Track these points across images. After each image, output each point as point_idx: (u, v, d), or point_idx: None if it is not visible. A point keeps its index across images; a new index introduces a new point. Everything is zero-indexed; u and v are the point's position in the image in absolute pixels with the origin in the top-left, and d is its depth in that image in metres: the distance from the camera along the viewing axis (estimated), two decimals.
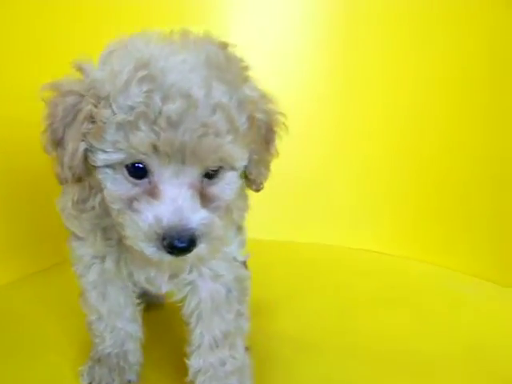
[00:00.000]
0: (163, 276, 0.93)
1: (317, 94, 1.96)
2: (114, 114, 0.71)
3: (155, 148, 0.71)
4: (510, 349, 1.26)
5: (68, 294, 1.10)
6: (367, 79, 1.90)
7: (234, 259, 0.95)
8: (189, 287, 0.95)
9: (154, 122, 0.69)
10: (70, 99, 0.76)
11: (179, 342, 1.01)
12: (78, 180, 0.79)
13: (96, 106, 0.73)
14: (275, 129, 0.86)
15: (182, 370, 0.99)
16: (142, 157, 0.73)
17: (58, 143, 0.77)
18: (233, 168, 0.79)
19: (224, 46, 0.80)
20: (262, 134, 0.83)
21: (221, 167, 0.78)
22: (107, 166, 0.75)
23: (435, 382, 1.12)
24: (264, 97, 0.84)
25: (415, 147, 1.85)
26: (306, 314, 1.40)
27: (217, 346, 0.95)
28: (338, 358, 1.18)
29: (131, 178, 0.75)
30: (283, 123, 0.87)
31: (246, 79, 0.81)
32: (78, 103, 0.76)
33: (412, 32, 1.81)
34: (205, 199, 0.77)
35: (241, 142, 0.77)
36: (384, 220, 1.93)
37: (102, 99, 0.73)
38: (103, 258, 0.94)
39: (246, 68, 0.82)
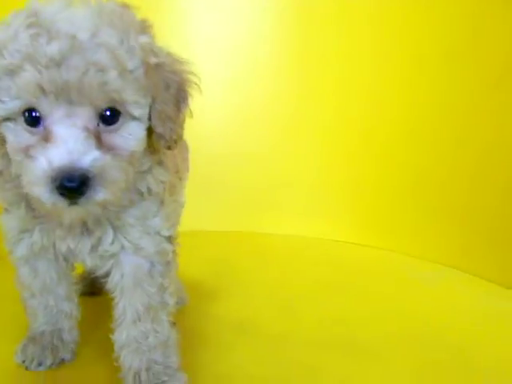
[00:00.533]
0: (84, 247, 0.93)
1: (274, 84, 2.01)
2: (5, 60, 0.74)
3: (42, 89, 0.73)
4: (453, 331, 1.26)
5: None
6: (323, 64, 1.95)
7: (158, 233, 0.95)
8: (112, 261, 0.96)
9: (38, 63, 0.71)
10: None
11: None
12: None
13: None
14: (186, 88, 0.86)
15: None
16: (31, 100, 0.75)
17: None
18: (133, 117, 0.80)
19: (125, 5, 0.82)
20: (173, 93, 0.84)
21: (118, 113, 0.79)
22: (8, 120, 0.78)
23: (374, 366, 1.12)
24: (175, 58, 0.86)
25: (374, 135, 1.87)
26: (253, 301, 1.41)
27: (139, 320, 0.96)
28: (277, 342, 1.19)
29: (28, 127, 0.77)
30: (195, 83, 0.88)
31: (143, 32, 0.82)
32: None
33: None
34: (103, 145, 0.77)
35: (134, 85, 0.77)
36: (343, 209, 1.96)
37: None
38: (31, 232, 0.95)
39: (146, 24, 0.83)
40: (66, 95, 0.74)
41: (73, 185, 0.73)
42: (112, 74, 0.74)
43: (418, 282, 1.55)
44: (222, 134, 2.02)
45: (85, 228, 0.91)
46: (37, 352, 1.06)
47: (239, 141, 2.01)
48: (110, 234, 0.92)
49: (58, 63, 0.72)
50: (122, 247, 0.94)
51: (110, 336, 0.98)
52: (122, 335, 0.97)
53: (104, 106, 0.77)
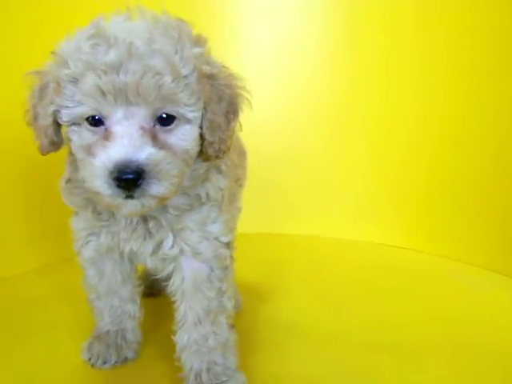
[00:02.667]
0: (145, 250, 0.98)
1: (322, 87, 2.02)
2: (70, 70, 0.81)
3: (102, 92, 0.79)
4: (499, 337, 1.27)
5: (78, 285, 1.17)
6: (372, 68, 1.95)
7: (216, 239, 0.99)
8: (173, 265, 1.01)
9: (99, 69, 0.78)
10: (45, 78, 0.87)
11: None
12: (52, 145, 0.90)
13: (58, 70, 0.83)
14: (238, 102, 0.92)
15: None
16: (93, 103, 0.81)
17: (35, 117, 0.89)
18: (187, 120, 0.86)
19: (180, 19, 0.88)
20: (224, 106, 0.89)
21: (173, 117, 0.84)
22: (73, 124, 0.85)
23: (421, 368, 1.13)
24: (228, 72, 0.92)
25: (424, 140, 1.87)
26: (303, 304, 1.44)
27: (199, 323, 1.00)
28: (328, 344, 1.23)
29: (91, 127, 0.84)
30: (247, 99, 0.93)
31: (196, 43, 0.87)
32: (49, 78, 0.86)
33: (414, 26, 1.85)
34: (159, 143, 0.83)
35: (188, 89, 0.83)
36: (392, 213, 1.96)
37: (62, 62, 0.83)
38: (98, 235, 1.02)
39: (201, 38, 0.89)
40: (124, 97, 0.80)
41: (129, 176, 0.78)
42: (167, 79, 0.80)
43: (465, 287, 1.55)
44: (273, 137, 2.05)
45: (147, 231, 0.96)
46: (102, 350, 1.12)
47: (288, 143, 2.04)
48: (170, 237, 0.97)
49: (116, 68, 0.79)
50: (181, 251, 0.98)
51: (172, 337, 1.03)
52: (183, 337, 1.01)
53: (159, 106, 0.82)
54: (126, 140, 0.80)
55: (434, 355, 1.18)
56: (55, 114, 0.86)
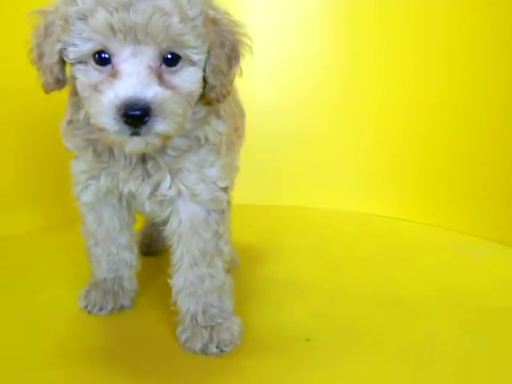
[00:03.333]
0: (144, 191, 0.99)
1: (325, 67, 2.03)
2: (78, 6, 0.82)
3: (112, 29, 0.81)
4: (492, 297, 1.28)
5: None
6: (370, 54, 1.95)
7: (213, 183, 1.00)
8: (170, 208, 1.02)
9: (110, 6, 0.80)
10: (50, 16, 0.87)
11: None
12: (57, 83, 0.90)
13: (65, 7, 0.84)
14: (239, 48, 0.93)
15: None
16: (102, 40, 0.82)
17: (41, 56, 0.88)
18: (191, 62, 0.87)
19: None
20: (226, 51, 0.91)
21: (179, 57, 0.86)
22: (79, 62, 0.86)
23: (419, 322, 1.14)
24: (231, 18, 0.93)
25: (421, 112, 1.87)
26: (299, 265, 1.45)
27: (196, 264, 1.01)
28: (324, 298, 1.24)
29: (97, 66, 0.85)
30: (247, 45, 0.94)
31: None
32: (55, 16, 0.86)
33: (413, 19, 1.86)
34: (164, 83, 0.84)
35: (194, 31, 0.85)
36: (389, 185, 1.96)
37: (70, 0, 0.83)
38: (98, 178, 1.02)
39: None
40: (133, 35, 0.81)
41: (136, 113, 0.80)
42: (175, 19, 0.82)
43: (462, 255, 1.54)
44: (273, 114, 2.05)
45: (145, 172, 0.98)
46: (99, 297, 1.13)
47: (289, 120, 2.04)
48: (168, 178, 0.98)
49: (127, 7, 0.80)
50: (179, 192, 0.99)
51: (168, 281, 1.04)
52: (179, 279, 1.02)
53: (166, 46, 0.83)
54: (134, 78, 0.81)
55: (427, 309, 1.19)
56: (61, 51, 0.87)
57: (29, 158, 1.70)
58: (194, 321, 1.01)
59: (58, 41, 0.85)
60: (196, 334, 0.99)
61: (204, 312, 1.01)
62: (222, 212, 1.03)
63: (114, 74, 0.83)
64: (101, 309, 1.13)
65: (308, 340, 1.05)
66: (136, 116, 0.80)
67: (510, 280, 1.38)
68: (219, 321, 1.01)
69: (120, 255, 1.14)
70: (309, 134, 2.04)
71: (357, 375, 0.94)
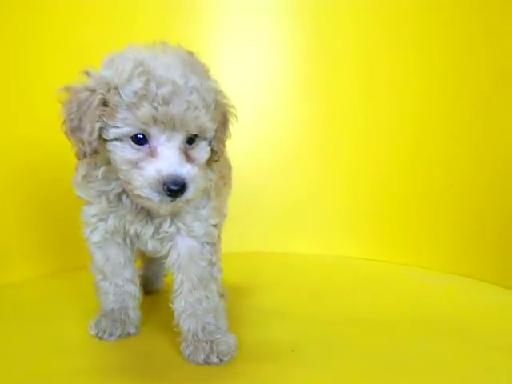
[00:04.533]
0: (148, 231, 1.20)
1: (303, 115, 2.23)
2: (122, 98, 1.02)
3: (154, 119, 1.01)
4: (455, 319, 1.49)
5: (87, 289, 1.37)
6: (349, 99, 2.15)
7: (206, 220, 1.21)
8: (170, 244, 1.21)
9: (153, 101, 1.00)
10: (83, 95, 1.06)
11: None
12: (94, 153, 1.08)
13: (106, 95, 1.03)
14: (229, 117, 1.18)
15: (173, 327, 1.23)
16: (144, 127, 1.02)
17: (75, 129, 1.06)
18: (205, 138, 1.10)
19: (191, 53, 1.12)
20: (221, 120, 1.14)
21: (197, 136, 1.08)
22: (116, 139, 1.05)
23: (386, 338, 1.33)
24: (222, 93, 1.15)
25: (398, 153, 2.06)
26: (284, 297, 1.63)
27: (194, 289, 1.19)
28: (308, 320, 1.42)
29: (135, 145, 1.05)
30: (234, 114, 1.19)
31: (208, 75, 1.13)
32: (89, 96, 1.05)
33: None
34: (188, 158, 1.06)
35: (210, 117, 1.07)
36: (367, 229, 2.14)
37: (111, 89, 1.02)
38: (106, 220, 1.21)
39: (207, 69, 1.14)
40: (172, 125, 1.03)
41: (177, 187, 1.02)
42: (202, 112, 1.05)
43: (430, 288, 1.75)
44: (251, 154, 2.22)
45: (148, 215, 1.18)
46: (108, 325, 1.29)
47: (269, 168, 2.22)
48: (168, 219, 1.19)
49: (167, 102, 1.01)
50: (178, 229, 1.19)
51: (170, 305, 1.22)
52: (180, 303, 1.20)
53: (193, 133, 1.06)
54: (171, 159, 1.03)
55: (407, 330, 1.36)
56: (100, 130, 1.05)
57: (32, 210, 1.86)
58: (196, 337, 1.17)
59: (98, 121, 1.04)
60: (198, 348, 1.16)
61: (203, 329, 1.18)
62: (214, 244, 1.22)
63: (153, 154, 1.03)
64: (110, 335, 1.28)
65: (293, 351, 1.22)
66: (176, 190, 1.01)
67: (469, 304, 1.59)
68: (217, 336, 1.18)
69: (125, 288, 1.31)
70: (283, 178, 2.21)
71: (335, 378, 1.10)
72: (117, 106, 1.02)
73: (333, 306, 1.54)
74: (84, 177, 1.19)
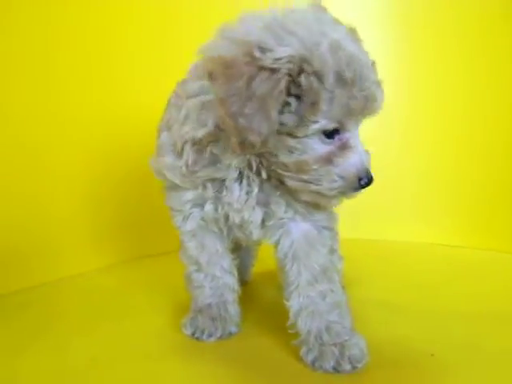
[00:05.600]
0: (257, 218, 0.99)
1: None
2: (326, 87, 0.82)
3: (362, 112, 0.86)
4: None
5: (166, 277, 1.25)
6: (431, 84, 1.96)
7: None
8: (281, 230, 1.01)
9: (362, 90, 0.84)
10: (252, 71, 0.81)
11: (272, 306, 1.11)
12: (264, 147, 0.84)
13: (294, 81, 0.82)
14: None
15: (280, 327, 1.04)
16: (345, 120, 0.86)
17: (239, 114, 0.81)
18: None
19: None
20: None
21: None
22: (305, 136, 0.86)
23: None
24: None
25: (477, 143, 1.87)
26: (391, 287, 1.42)
27: (316, 281, 0.99)
28: (416, 319, 1.19)
29: (326, 140, 0.87)
30: None
31: None
32: (267, 76, 0.80)
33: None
34: None
35: None
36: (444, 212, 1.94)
37: (308, 72, 0.81)
38: (203, 206, 1.02)
39: None
40: (364, 111, 0.88)
41: (369, 181, 0.90)
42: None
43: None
44: None
45: (260, 200, 0.98)
46: (207, 323, 1.09)
47: None
48: (283, 204, 0.98)
49: (371, 89, 0.86)
50: (295, 213, 0.99)
51: (285, 302, 1.01)
52: (298, 299, 0.99)
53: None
54: (361, 150, 0.90)
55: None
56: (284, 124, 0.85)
57: (105, 197, 1.71)
58: (319, 339, 0.97)
59: (286, 112, 0.84)
60: (325, 353, 0.95)
61: (328, 330, 0.97)
62: (333, 229, 1.03)
63: (345, 148, 0.88)
64: (210, 335, 1.08)
65: (433, 355, 1.01)
66: (367, 184, 0.90)
67: None
68: (345, 338, 0.97)
69: (224, 279, 1.12)
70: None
71: None
72: (318, 95, 0.82)
73: (448, 298, 1.32)
74: (190, 165, 0.97)
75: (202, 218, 1.05)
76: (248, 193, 0.96)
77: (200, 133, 0.92)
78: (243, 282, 1.37)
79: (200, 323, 1.09)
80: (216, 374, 0.95)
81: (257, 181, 0.96)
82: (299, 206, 0.98)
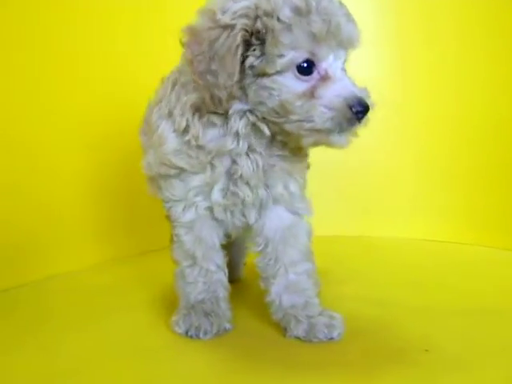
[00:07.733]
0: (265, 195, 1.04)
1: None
2: (282, 21, 0.87)
3: (328, 34, 0.87)
4: None
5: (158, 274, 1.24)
6: (426, 81, 1.97)
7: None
8: (267, 213, 1.08)
9: (319, 14, 0.87)
10: (214, 33, 0.89)
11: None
12: (232, 98, 0.91)
13: (253, 26, 0.88)
14: None
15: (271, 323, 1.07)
16: (313, 48, 0.88)
17: (205, 72, 0.89)
18: None
19: None
20: None
21: None
22: (278, 73, 0.88)
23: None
24: None
25: (471, 140, 1.89)
26: (383, 284, 1.43)
27: (301, 260, 1.09)
28: (410, 315, 1.20)
29: (302, 76, 0.89)
30: None
31: None
32: (225, 33, 0.88)
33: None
34: None
35: None
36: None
37: (260, 17, 0.88)
38: (208, 192, 1.03)
39: None
40: (338, 40, 0.89)
41: (364, 108, 0.89)
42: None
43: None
44: None
45: (262, 178, 1.02)
46: (201, 319, 1.06)
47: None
48: (280, 181, 1.05)
49: (333, 14, 0.89)
50: (280, 200, 1.06)
51: (265, 282, 1.10)
52: (285, 276, 1.07)
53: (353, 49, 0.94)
54: (346, 80, 0.91)
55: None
56: (251, 68, 0.90)
57: (100, 193, 1.71)
58: (307, 312, 1.04)
59: (242, 62, 0.89)
60: (315, 324, 1.02)
61: (308, 304, 1.06)
62: (309, 218, 1.12)
63: (325, 79, 0.89)
64: (205, 333, 1.06)
65: (427, 350, 1.00)
66: (363, 110, 0.88)
67: None
68: (321, 309, 1.06)
69: (217, 275, 1.11)
70: (369, 167, 2.03)
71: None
72: (274, 30, 0.86)
73: (442, 294, 1.32)
74: (188, 142, 0.99)
75: (207, 207, 1.05)
76: (256, 168, 1.00)
77: (194, 96, 0.95)
78: (236, 278, 1.38)
79: (194, 320, 1.07)
80: (210, 371, 0.94)
81: (263, 153, 0.99)
82: (286, 193, 1.05)
